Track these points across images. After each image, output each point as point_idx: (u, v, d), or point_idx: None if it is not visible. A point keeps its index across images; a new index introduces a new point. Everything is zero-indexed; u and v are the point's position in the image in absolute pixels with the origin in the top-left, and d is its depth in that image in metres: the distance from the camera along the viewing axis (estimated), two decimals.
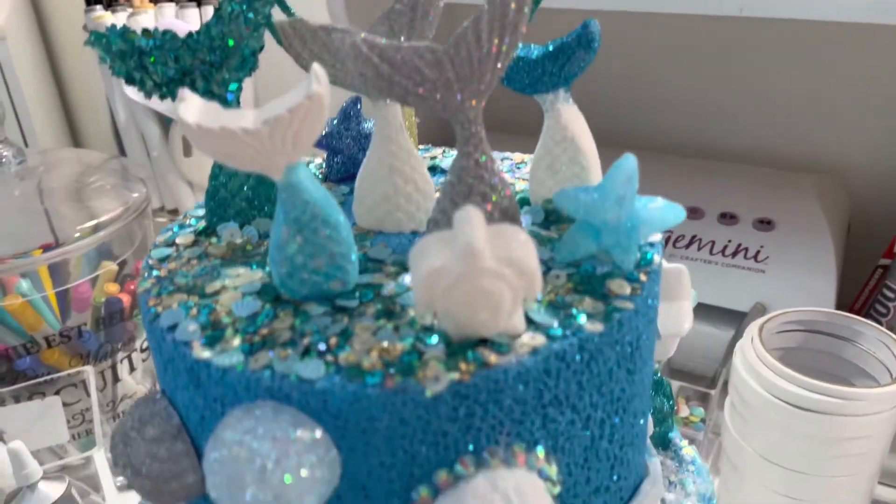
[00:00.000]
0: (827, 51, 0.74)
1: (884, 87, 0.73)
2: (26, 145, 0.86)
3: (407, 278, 0.25)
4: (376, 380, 0.21)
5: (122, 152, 0.74)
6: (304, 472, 0.20)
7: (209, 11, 0.73)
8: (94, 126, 0.91)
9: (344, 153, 0.31)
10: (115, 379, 0.66)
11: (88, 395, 0.65)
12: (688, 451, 0.35)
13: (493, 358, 0.21)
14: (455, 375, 0.21)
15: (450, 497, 0.22)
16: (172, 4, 0.72)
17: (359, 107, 0.32)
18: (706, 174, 0.77)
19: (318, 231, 0.23)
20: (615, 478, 0.26)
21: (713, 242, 0.71)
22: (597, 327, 0.22)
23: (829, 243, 0.69)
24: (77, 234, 0.60)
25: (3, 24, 0.89)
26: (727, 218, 0.72)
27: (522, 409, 0.22)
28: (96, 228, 0.61)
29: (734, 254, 0.70)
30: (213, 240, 0.28)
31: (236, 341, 0.22)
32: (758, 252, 0.70)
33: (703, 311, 0.71)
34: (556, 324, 0.22)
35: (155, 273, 0.26)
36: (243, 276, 0.26)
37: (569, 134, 0.27)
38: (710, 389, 0.65)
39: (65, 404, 0.62)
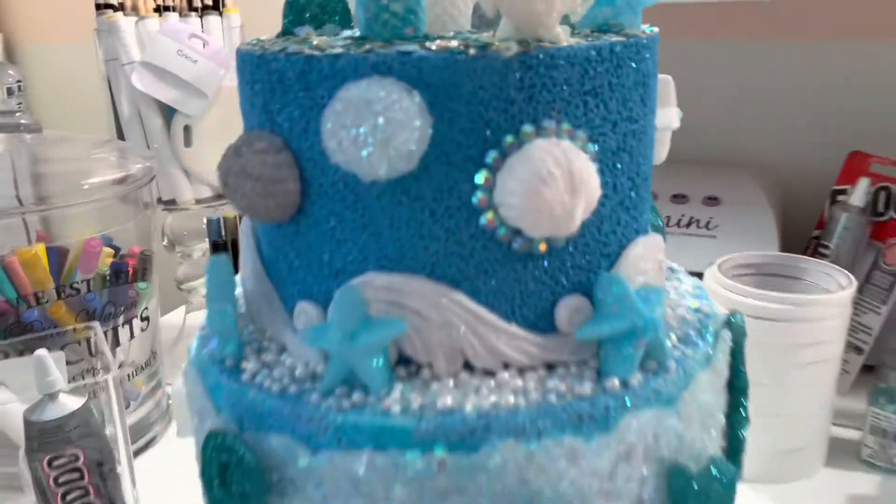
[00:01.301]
0: (765, 71, 0.86)
1: (810, 101, 0.85)
2: None
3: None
4: (461, 49, 0.27)
5: None
6: (400, 116, 0.26)
7: (210, 21, 0.80)
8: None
9: None
10: (116, 343, 0.69)
11: (91, 354, 0.67)
12: (676, 266, 0.41)
13: (548, 44, 0.28)
14: (522, 48, 0.27)
15: (515, 156, 0.27)
16: (175, 14, 0.79)
17: None
18: (658, 169, 0.86)
19: None
20: (632, 196, 0.32)
21: (668, 217, 0.79)
22: (622, 39, 0.29)
23: (769, 214, 0.78)
24: (85, 187, 0.64)
25: None
26: (678, 198, 0.81)
27: (570, 91, 0.28)
28: (98, 189, 0.65)
29: (688, 224, 0.78)
30: (292, 38, 0.34)
31: (338, 50, 0.28)
32: (708, 222, 0.78)
33: None
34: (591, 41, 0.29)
35: (245, 54, 0.32)
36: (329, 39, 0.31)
37: None
38: None
39: (67, 363, 0.64)
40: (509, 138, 0.28)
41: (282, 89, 0.29)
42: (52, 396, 0.53)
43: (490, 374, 0.30)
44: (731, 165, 0.86)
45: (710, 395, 0.32)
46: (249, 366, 0.32)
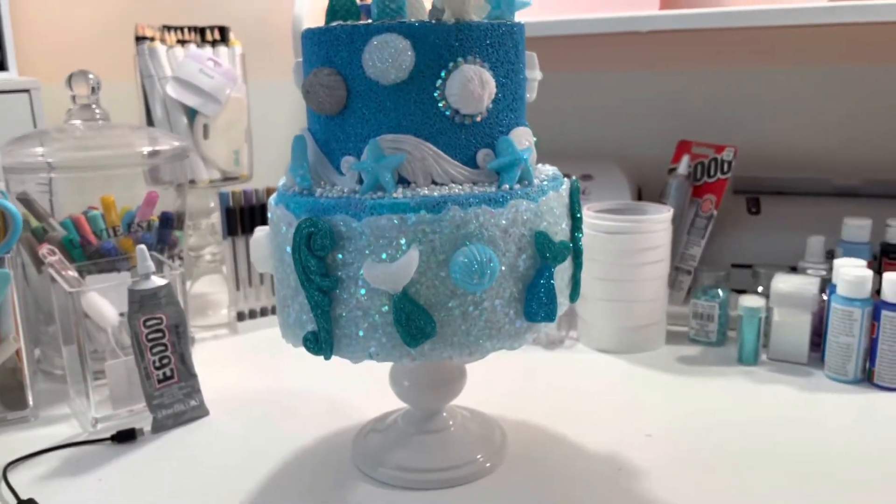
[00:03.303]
0: (624, 92, 1.20)
1: (653, 110, 1.19)
2: None
3: None
4: (429, 21, 0.57)
5: None
6: (401, 49, 0.56)
7: (220, 50, 1.09)
8: None
9: None
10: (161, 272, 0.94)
11: None
12: None
13: (469, 21, 0.58)
14: (457, 21, 0.57)
15: (455, 72, 0.57)
16: (193, 45, 1.08)
17: None
18: (553, 158, 1.19)
19: None
20: (513, 103, 0.62)
21: None
22: (504, 22, 0.60)
23: (625, 185, 1.11)
24: (145, 152, 0.91)
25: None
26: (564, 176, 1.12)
27: (480, 43, 0.58)
28: (153, 154, 0.92)
29: None
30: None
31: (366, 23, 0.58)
32: (584, 190, 1.10)
33: None
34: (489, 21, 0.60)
35: (314, 29, 0.61)
36: None
37: None
38: None
39: None
40: (451, 64, 0.58)
41: (337, 42, 0.59)
42: (146, 276, 0.80)
43: (445, 185, 0.59)
44: (600, 155, 1.20)
45: (556, 203, 0.62)
46: (319, 190, 0.60)
